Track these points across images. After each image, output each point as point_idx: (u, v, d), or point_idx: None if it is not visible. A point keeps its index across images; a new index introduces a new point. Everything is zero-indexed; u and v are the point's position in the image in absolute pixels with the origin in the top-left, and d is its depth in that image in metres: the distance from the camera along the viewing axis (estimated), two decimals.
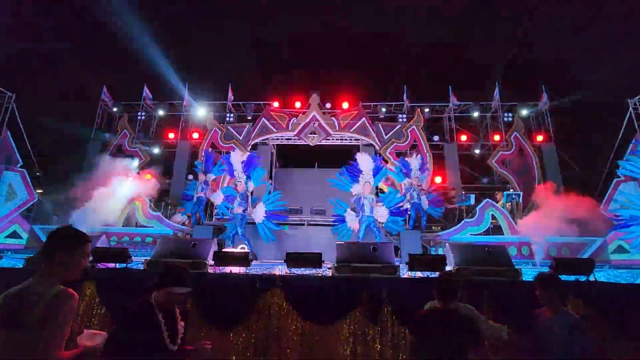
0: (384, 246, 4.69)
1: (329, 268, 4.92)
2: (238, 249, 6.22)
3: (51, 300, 1.63)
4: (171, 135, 14.05)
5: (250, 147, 13.24)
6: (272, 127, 13.38)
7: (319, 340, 4.10)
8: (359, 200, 7.67)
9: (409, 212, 9.05)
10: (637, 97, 11.64)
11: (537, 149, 13.04)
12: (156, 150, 13.84)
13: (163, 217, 9.89)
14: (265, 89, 19.81)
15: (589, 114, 14.73)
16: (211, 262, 4.69)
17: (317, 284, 4.39)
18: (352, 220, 7.69)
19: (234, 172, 8.01)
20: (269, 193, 8.36)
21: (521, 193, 11.40)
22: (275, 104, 13.96)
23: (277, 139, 14.07)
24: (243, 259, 4.62)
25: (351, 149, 13.52)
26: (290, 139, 13.92)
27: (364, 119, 13.37)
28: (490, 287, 4.14)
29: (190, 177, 13.37)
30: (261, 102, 14.17)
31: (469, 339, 2.28)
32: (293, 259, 4.66)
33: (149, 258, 4.69)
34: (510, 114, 13.75)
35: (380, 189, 12.95)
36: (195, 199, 8.66)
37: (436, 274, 4.45)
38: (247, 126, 13.56)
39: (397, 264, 4.61)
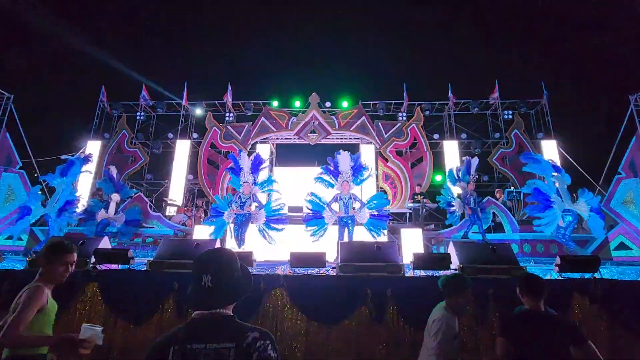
0: (388, 245, 4.65)
1: (332, 267, 4.88)
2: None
3: (23, 292, 2.07)
4: (170, 136, 14.02)
5: (249, 146, 13.20)
6: (271, 127, 13.33)
7: (323, 340, 4.08)
8: (338, 200, 7.31)
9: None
10: (638, 94, 11.59)
11: (537, 146, 13.03)
12: (155, 151, 13.79)
13: (163, 217, 9.84)
14: (264, 88, 19.78)
15: (589, 110, 14.72)
16: None
17: (321, 284, 4.36)
18: (330, 218, 7.31)
19: (241, 173, 7.69)
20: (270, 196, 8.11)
21: (522, 190, 11.37)
22: (275, 103, 13.91)
23: (277, 138, 14.02)
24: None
25: (351, 148, 13.47)
26: (290, 138, 13.87)
27: (363, 117, 13.34)
28: (495, 285, 4.12)
29: (191, 176, 13.33)
30: (260, 102, 14.11)
31: (571, 339, 2.34)
32: (297, 259, 4.62)
33: (151, 259, 4.64)
34: (510, 112, 13.73)
35: (382, 188, 12.94)
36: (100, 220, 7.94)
37: (440, 273, 4.45)
38: (247, 125, 13.52)
39: (400, 262, 4.58)
